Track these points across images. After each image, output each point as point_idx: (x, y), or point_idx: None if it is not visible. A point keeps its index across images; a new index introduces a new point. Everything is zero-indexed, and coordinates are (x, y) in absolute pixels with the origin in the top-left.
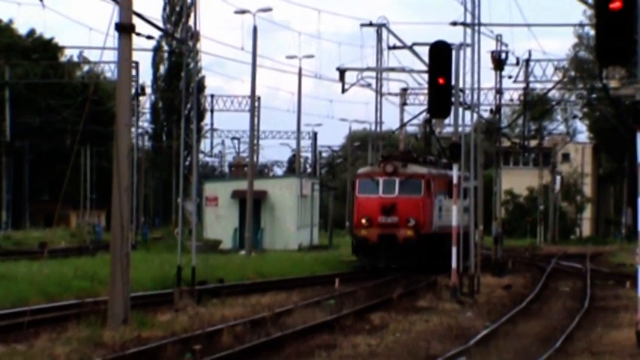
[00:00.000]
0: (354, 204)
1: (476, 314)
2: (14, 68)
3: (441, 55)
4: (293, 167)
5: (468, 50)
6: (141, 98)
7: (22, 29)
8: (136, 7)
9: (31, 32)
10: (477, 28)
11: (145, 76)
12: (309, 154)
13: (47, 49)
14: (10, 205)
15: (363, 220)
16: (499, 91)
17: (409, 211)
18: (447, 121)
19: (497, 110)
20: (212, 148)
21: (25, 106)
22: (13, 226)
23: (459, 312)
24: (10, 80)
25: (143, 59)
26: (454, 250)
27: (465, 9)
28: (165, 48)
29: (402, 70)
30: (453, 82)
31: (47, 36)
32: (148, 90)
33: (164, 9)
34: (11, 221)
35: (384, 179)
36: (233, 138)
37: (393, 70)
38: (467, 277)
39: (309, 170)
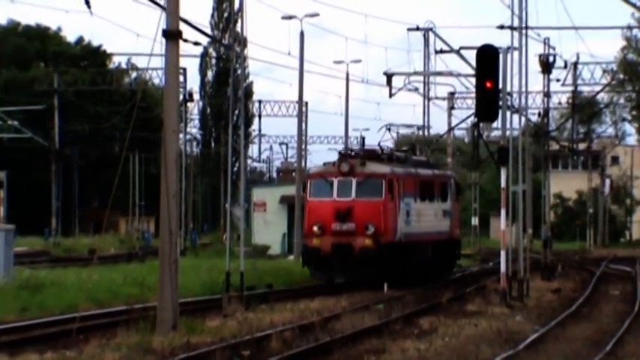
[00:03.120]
0: (304, 209)
1: (525, 318)
2: (63, 75)
3: (488, 59)
4: None
5: (516, 54)
6: (189, 104)
7: (70, 37)
8: (183, 14)
9: (80, 40)
10: (524, 31)
11: (193, 82)
12: None
13: (95, 56)
14: (60, 211)
15: (315, 228)
16: (547, 95)
17: (368, 216)
18: (494, 124)
19: (545, 113)
20: (260, 153)
21: (74, 113)
22: (62, 232)
23: (509, 316)
24: (59, 87)
25: (191, 65)
26: (503, 253)
27: (512, 12)
28: (213, 54)
29: (450, 74)
30: (500, 86)
31: (95, 43)
32: (196, 96)
33: (212, 15)
34: (61, 228)
35: (339, 180)
36: (281, 143)
37: (440, 74)
38: (516, 281)
39: None
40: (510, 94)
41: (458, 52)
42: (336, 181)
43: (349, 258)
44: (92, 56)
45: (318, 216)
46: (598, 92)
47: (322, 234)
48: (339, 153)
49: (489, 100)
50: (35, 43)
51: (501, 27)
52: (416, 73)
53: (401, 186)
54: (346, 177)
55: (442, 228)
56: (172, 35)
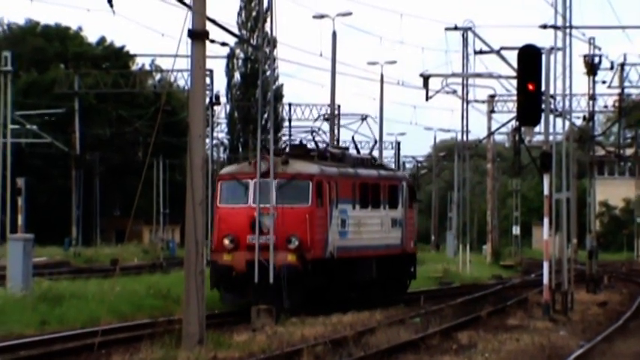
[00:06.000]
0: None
1: (570, 333)
2: (84, 78)
3: (530, 60)
4: None
5: (559, 54)
6: (216, 108)
7: (91, 37)
8: (209, 13)
9: (101, 40)
10: (568, 30)
11: (220, 84)
12: (393, 165)
13: (118, 57)
14: (81, 220)
15: (226, 241)
16: (592, 97)
17: (290, 227)
18: (537, 129)
19: (590, 117)
20: None
21: (95, 117)
22: (83, 242)
23: (552, 330)
24: (79, 90)
25: (218, 67)
26: (546, 264)
27: (556, 11)
28: (241, 55)
29: (490, 75)
30: (543, 88)
31: (117, 43)
32: (223, 99)
33: (239, 14)
34: (82, 237)
35: (256, 182)
36: None
37: (479, 75)
38: (560, 294)
39: None
40: (554, 96)
41: (498, 52)
42: (251, 184)
43: (268, 278)
44: (114, 57)
45: (230, 226)
46: None
47: (235, 249)
48: (264, 147)
49: (531, 103)
50: (55, 44)
51: (544, 26)
52: (454, 75)
53: (334, 189)
54: (265, 178)
55: (391, 240)
56: (198, 35)
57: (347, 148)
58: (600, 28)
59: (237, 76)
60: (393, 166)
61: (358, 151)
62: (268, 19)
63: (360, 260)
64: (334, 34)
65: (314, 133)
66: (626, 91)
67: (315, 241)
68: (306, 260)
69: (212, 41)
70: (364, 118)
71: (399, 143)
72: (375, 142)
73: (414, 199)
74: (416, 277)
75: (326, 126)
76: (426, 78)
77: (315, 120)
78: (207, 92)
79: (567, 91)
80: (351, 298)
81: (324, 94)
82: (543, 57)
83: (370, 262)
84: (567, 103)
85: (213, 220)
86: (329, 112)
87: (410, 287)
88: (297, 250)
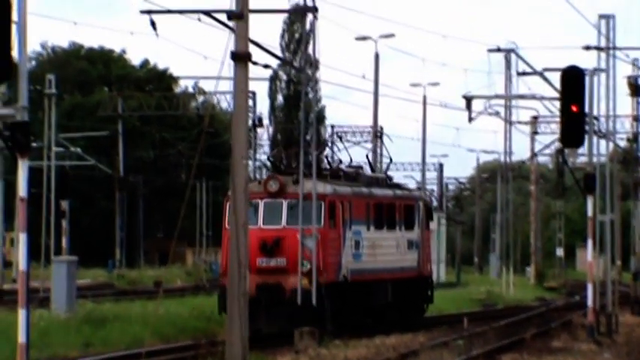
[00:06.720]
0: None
1: (614, 355)
2: (127, 100)
3: (573, 81)
4: None
5: (603, 75)
6: (258, 130)
7: (135, 60)
8: (252, 35)
9: (145, 63)
10: (611, 52)
11: (263, 106)
12: (435, 187)
13: (161, 79)
14: (124, 242)
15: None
16: (636, 119)
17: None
18: (580, 150)
19: (634, 138)
20: None
21: (139, 139)
22: (127, 264)
23: (596, 353)
24: (123, 113)
25: (260, 89)
26: (590, 286)
27: (599, 32)
28: (283, 77)
29: (533, 97)
30: (587, 110)
31: (161, 66)
32: (266, 121)
33: (282, 36)
34: (125, 259)
35: (266, 202)
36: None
37: (522, 97)
38: (604, 316)
39: (435, 204)
40: (597, 118)
41: (541, 74)
42: (261, 204)
43: (279, 302)
44: (157, 80)
45: None
46: None
47: None
48: (273, 163)
49: (575, 124)
50: (98, 67)
51: (587, 47)
52: (497, 97)
53: (347, 210)
54: (275, 198)
55: (407, 263)
56: (241, 57)
57: (360, 167)
58: None
59: (279, 98)
60: (435, 187)
61: (373, 170)
62: (311, 41)
63: (375, 283)
64: (377, 56)
65: (327, 148)
66: None
67: (328, 264)
68: (319, 283)
69: (254, 63)
70: (379, 136)
71: (441, 165)
72: (391, 161)
73: (430, 219)
74: (433, 300)
75: (340, 145)
76: (468, 99)
77: (330, 137)
78: (250, 114)
79: (611, 113)
80: (366, 323)
81: (367, 116)
82: (587, 78)
83: (385, 285)
84: (611, 125)
85: (222, 243)
86: (370, 133)
87: (453, 309)
88: (309, 273)
